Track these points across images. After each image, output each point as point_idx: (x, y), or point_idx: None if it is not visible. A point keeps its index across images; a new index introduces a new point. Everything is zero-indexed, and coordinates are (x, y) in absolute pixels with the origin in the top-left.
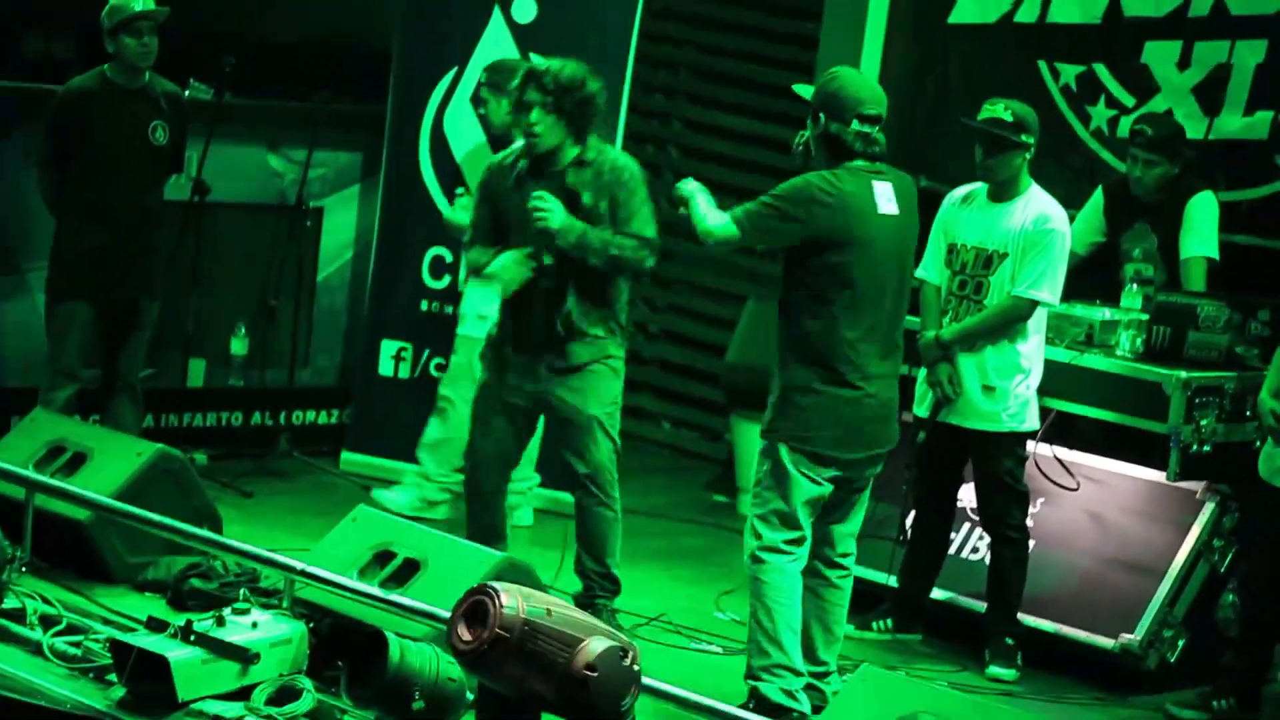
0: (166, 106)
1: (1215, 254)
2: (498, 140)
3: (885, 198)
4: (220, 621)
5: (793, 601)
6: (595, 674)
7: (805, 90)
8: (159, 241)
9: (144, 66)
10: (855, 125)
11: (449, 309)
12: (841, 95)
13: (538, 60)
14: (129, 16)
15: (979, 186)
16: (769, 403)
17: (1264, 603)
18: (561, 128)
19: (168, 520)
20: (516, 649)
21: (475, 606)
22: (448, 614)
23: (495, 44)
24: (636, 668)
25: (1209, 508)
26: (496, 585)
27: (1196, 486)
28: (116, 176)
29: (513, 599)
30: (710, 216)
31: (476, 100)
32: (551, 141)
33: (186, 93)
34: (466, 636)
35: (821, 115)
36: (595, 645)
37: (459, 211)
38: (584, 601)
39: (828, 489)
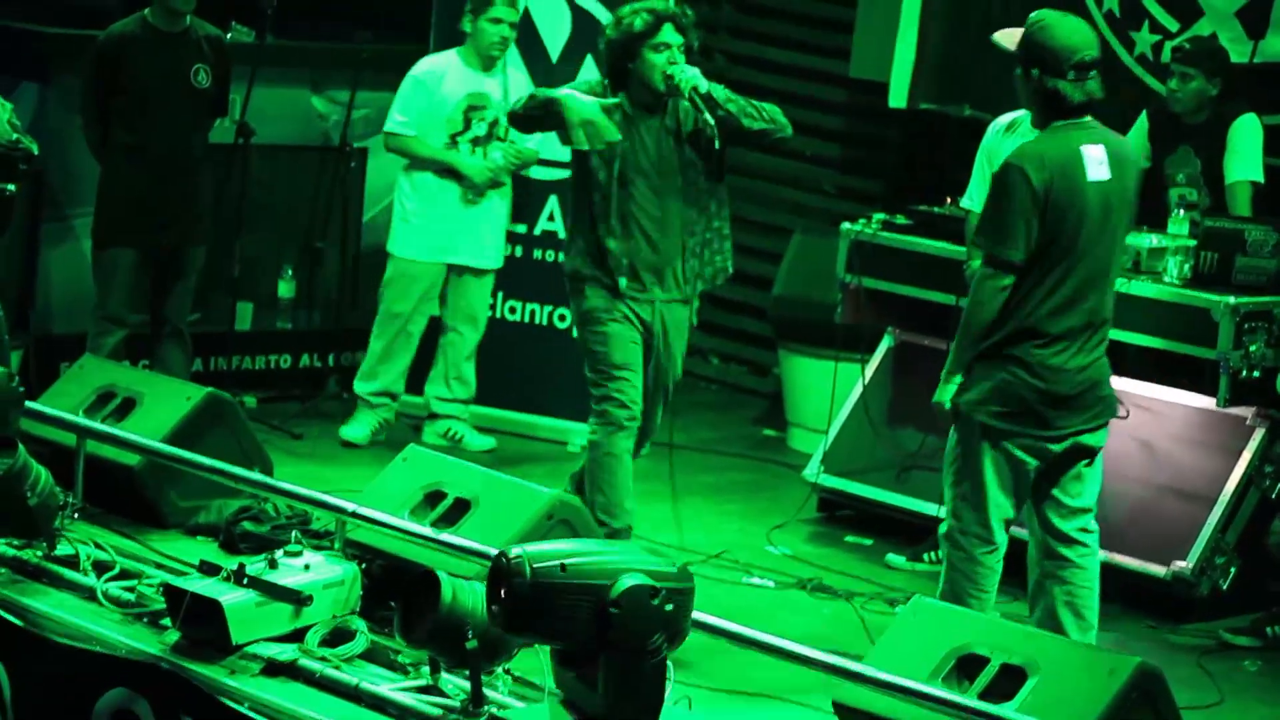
0: (209, 49)
1: (1260, 177)
2: None
3: (1096, 161)
4: (272, 564)
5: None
6: (618, 610)
7: (1008, 39)
8: (204, 187)
9: (185, 10)
10: (1072, 75)
11: None
12: (1053, 44)
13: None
14: None
15: (1023, 114)
16: (971, 379)
17: None
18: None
19: (218, 464)
20: (534, 610)
21: (491, 578)
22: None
23: None
24: (669, 607)
25: (1259, 433)
26: (510, 552)
27: (1246, 412)
28: (159, 121)
29: (519, 560)
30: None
31: None
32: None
33: (229, 35)
34: (494, 609)
35: (1035, 70)
36: (623, 582)
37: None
38: None
39: (1042, 463)
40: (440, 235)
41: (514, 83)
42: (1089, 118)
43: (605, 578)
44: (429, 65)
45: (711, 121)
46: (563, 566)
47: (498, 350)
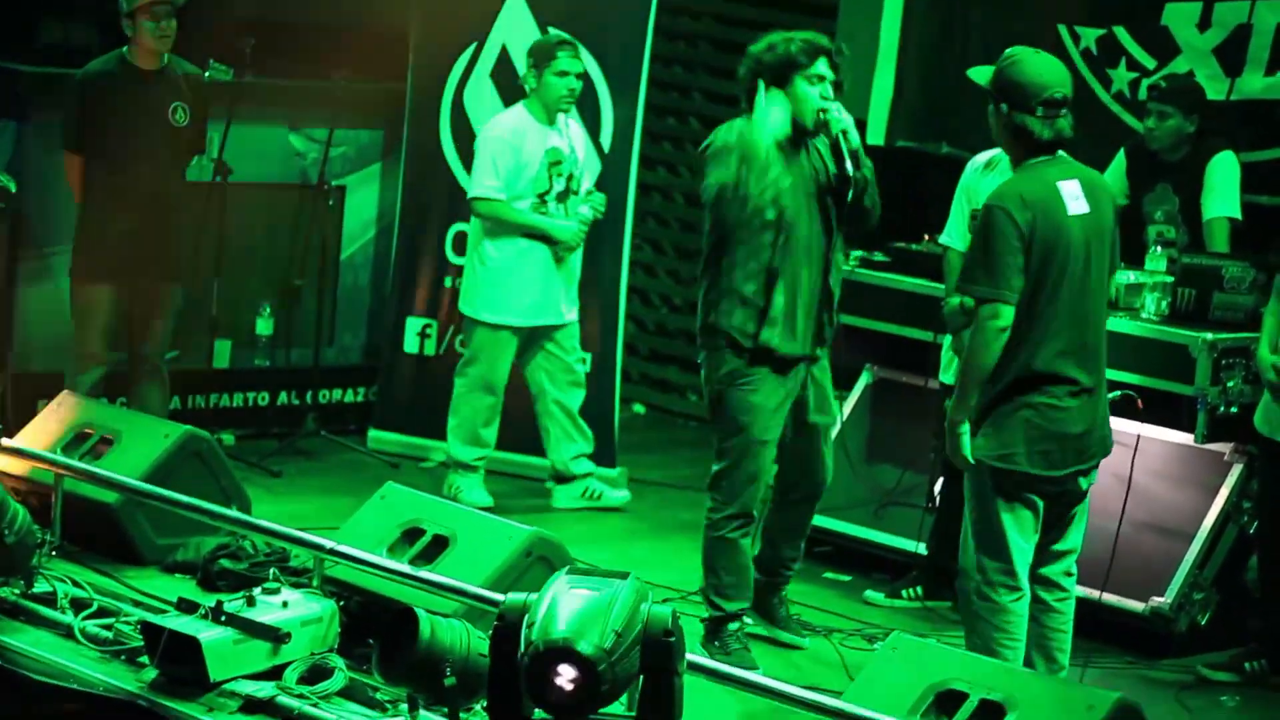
0: (186, 88)
1: (1238, 214)
2: None
3: (1073, 195)
4: (250, 601)
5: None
6: (674, 638)
7: (981, 75)
8: (183, 226)
9: (161, 50)
10: (1041, 112)
11: None
12: (1022, 80)
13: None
14: (147, 1)
15: (1001, 152)
16: (976, 426)
17: (1276, 558)
18: None
19: (196, 501)
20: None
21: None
22: (476, 589)
23: (513, 19)
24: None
25: (1237, 469)
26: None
27: (1224, 448)
28: (137, 159)
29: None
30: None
31: None
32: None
33: (206, 74)
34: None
35: (1004, 105)
36: (661, 610)
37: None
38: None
39: (1040, 505)
40: (531, 298)
41: (574, 133)
42: (1061, 153)
43: (640, 619)
44: (511, 125)
45: (852, 173)
46: (617, 634)
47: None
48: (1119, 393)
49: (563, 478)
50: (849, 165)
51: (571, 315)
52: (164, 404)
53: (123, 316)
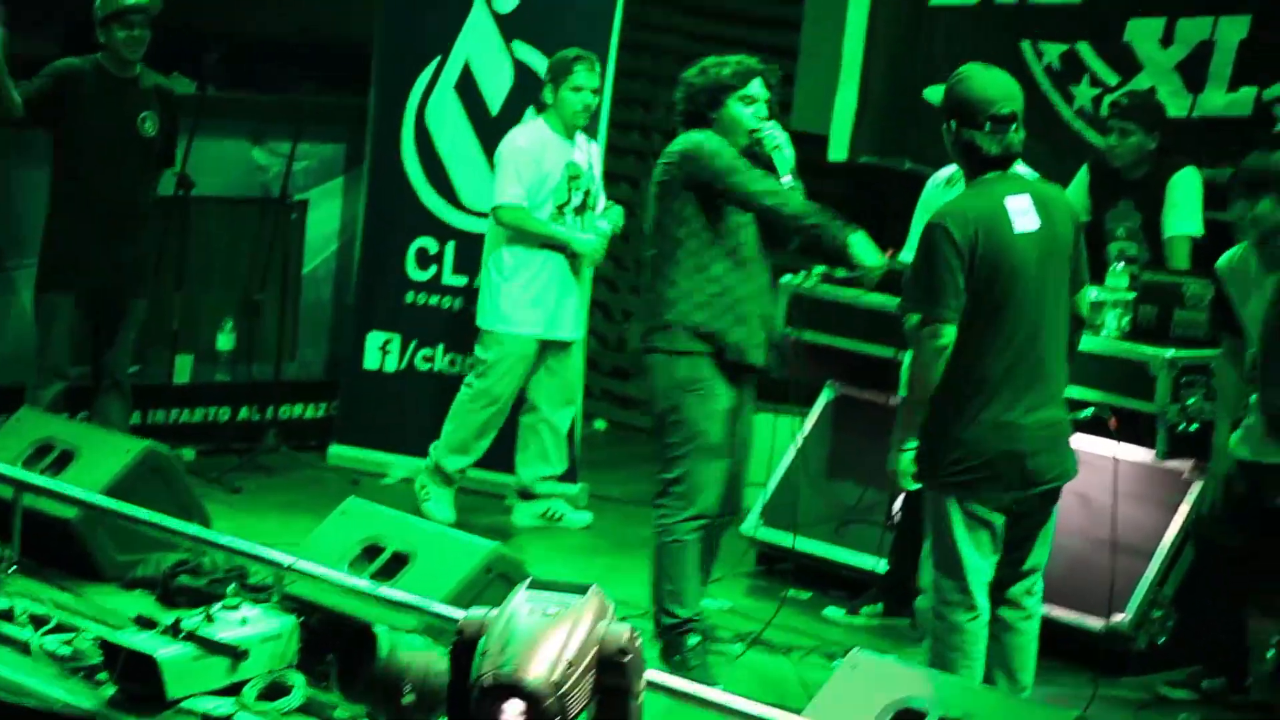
0: (156, 99)
1: (1199, 231)
2: None
3: (1020, 211)
4: (209, 618)
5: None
6: (629, 657)
7: (936, 94)
8: (147, 238)
9: (134, 59)
10: (988, 128)
11: (434, 300)
12: (970, 97)
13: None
14: (122, 8)
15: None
16: (929, 445)
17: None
18: None
19: (156, 517)
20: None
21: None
22: (438, 606)
23: (477, 33)
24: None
25: (1196, 487)
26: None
27: (1184, 465)
28: (104, 167)
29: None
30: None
31: None
32: None
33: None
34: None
35: (953, 122)
36: (616, 629)
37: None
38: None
39: (997, 524)
40: (547, 310)
41: (592, 151)
42: (1013, 169)
43: (595, 640)
44: (533, 136)
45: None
46: (570, 664)
47: (440, 403)
48: (1091, 410)
49: (527, 494)
50: (784, 178)
51: (580, 334)
52: (125, 419)
53: (85, 330)
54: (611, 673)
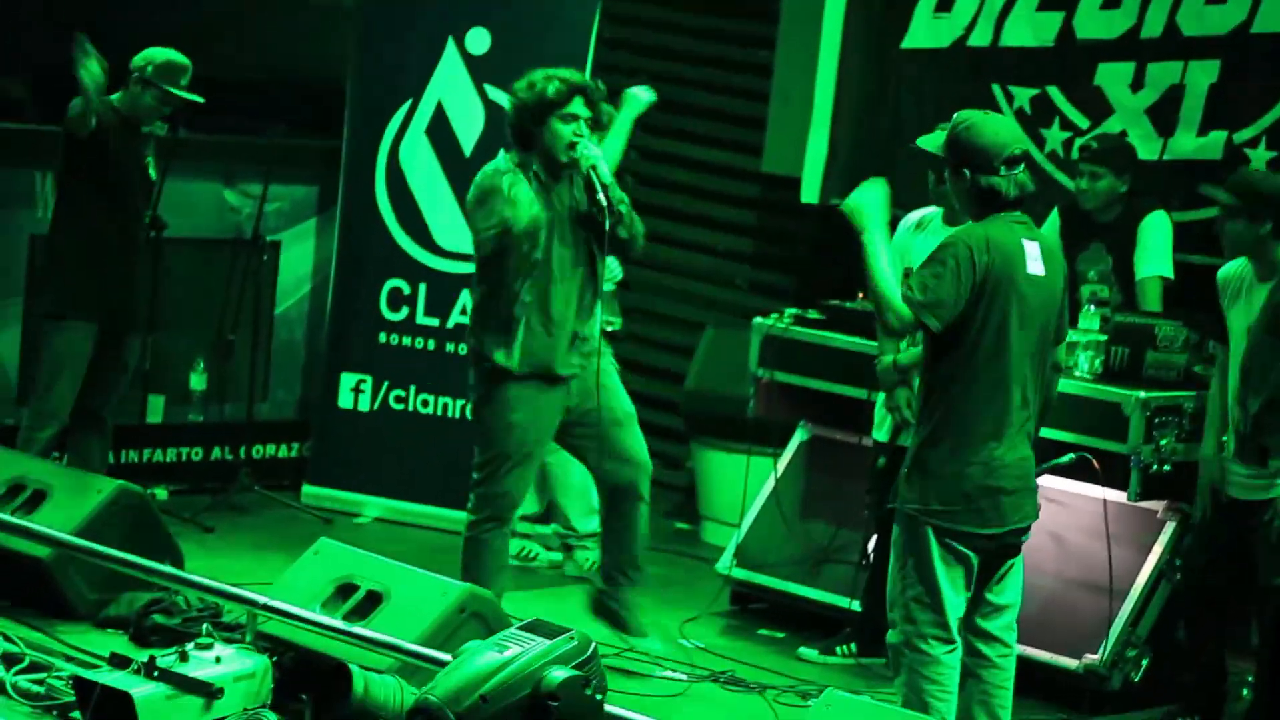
0: (155, 146)
1: (1170, 273)
2: None
3: (1033, 257)
4: (183, 657)
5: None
6: (559, 704)
7: (932, 142)
8: (142, 278)
9: (153, 121)
10: (1004, 171)
11: (407, 341)
12: (981, 143)
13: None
14: (169, 87)
15: (934, 211)
16: (901, 476)
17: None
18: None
19: (129, 556)
20: None
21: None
22: (411, 645)
23: (450, 76)
24: (600, 696)
25: (1170, 527)
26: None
27: (1158, 506)
28: (120, 206)
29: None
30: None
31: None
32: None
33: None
34: None
35: (966, 170)
36: (553, 677)
37: None
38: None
39: (973, 561)
40: None
41: None
42: (1020, 212)
43: (528, 683)
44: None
45: (604, 204)
46: (484, 698)
47: (413, 443)
48: (1072, 455)
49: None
50: (600, 197)
51: None
52: (104, 458)
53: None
54: (536, 714)
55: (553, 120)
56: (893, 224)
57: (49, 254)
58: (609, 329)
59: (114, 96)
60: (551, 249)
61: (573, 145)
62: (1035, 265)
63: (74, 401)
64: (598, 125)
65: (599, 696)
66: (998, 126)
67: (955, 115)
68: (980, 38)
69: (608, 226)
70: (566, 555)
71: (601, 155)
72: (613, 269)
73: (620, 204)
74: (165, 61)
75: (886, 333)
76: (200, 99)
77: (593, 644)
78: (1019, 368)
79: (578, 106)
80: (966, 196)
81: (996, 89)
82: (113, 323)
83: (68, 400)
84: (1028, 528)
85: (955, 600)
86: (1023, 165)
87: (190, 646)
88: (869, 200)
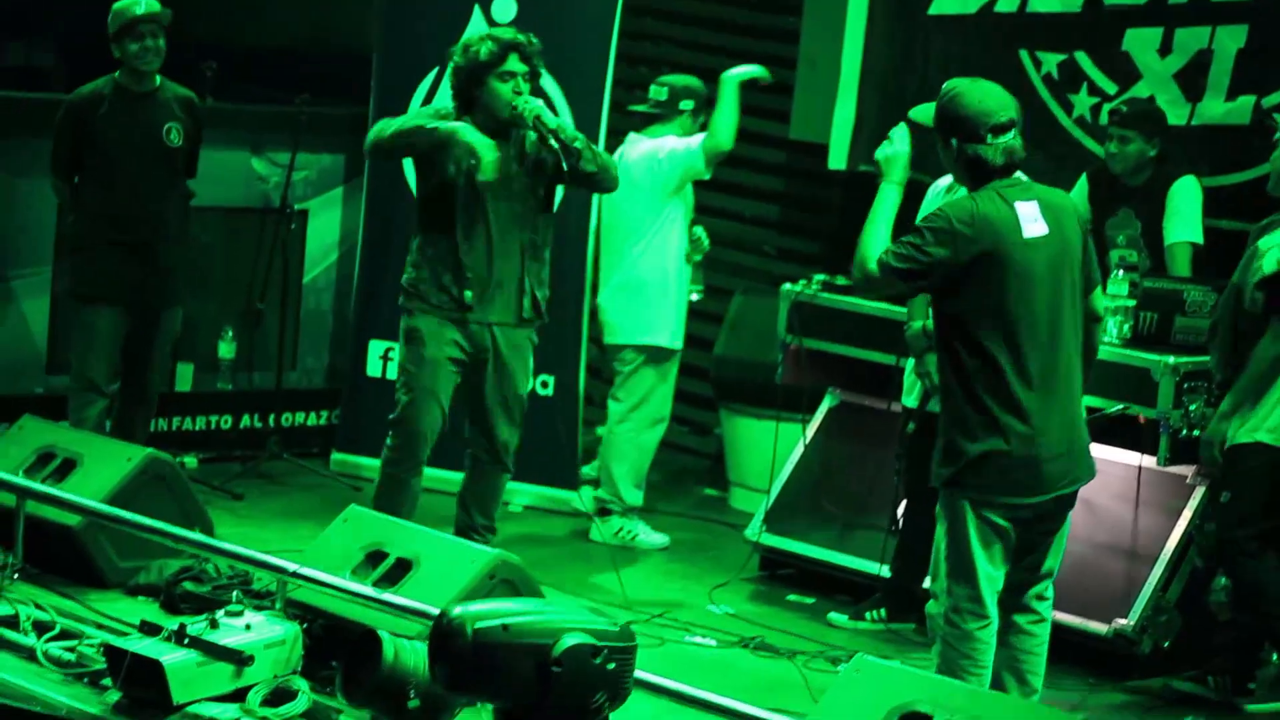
0: (179, 109)
1: (1199, 239)
2: None
3: (1030, 218)
4: (214, 624)
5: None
6: (560, 670)
7: (924, 114)
8: (178, 247)
9: (149, 70)
10: (990, 139)
11: None
12: (966, 112)
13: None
14: (130, 20)
15: None
16: (948, 451)
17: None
18: None
19: (159, 524)
20: (476, 669)
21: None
22: (440, 612)
23: None
24: (612, 666)
25: (1199, 492)
26: (451, 612)
27: (1187, 471)
28: (131, 181)
29: (460, 619)
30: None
31: None
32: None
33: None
34: (436, 668)
35: (953, 140)
36: (565, 641)
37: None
38: None
39: (1011, 533)
40: (680, 318)
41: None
42: (1018, 174)
43: (548, 637)
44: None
45: (555, 146)
46: (505, 627)
47: None
48: (1121, 405)
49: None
50: (552, 142)
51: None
52: (146, 429)
53: (121, 344)
54: (541, 674)
55: (490, 80)
56: (922, 189)
57: (69, 236)
58: (695, 298)
59: (115, 74)
60: (488, 206)
61: (514, 104)
62: (1034, 227)
63: (113, 376)
64: (535, 78)
65: (610, 667)
66: (983, 94)
67: (944, 85)
68: (1008, 3)
69: (567, 167)
70: (602, 520)
71: (542, 104)
72: (701, 239)
73: (574, 142)
74: (114, 13)
75: (851, 281)
76: (168, 11)
77: (633, 638)
78: (1048, 332)
79: (513, 64)
80: (956, 166)
81: (1024, 54)
82: (142, 301)
83: (103, 376)
84: (1075, 493)
85: (992, 575)
86: (1013, 132)
87: (220, 614)
88: (902, 153)
